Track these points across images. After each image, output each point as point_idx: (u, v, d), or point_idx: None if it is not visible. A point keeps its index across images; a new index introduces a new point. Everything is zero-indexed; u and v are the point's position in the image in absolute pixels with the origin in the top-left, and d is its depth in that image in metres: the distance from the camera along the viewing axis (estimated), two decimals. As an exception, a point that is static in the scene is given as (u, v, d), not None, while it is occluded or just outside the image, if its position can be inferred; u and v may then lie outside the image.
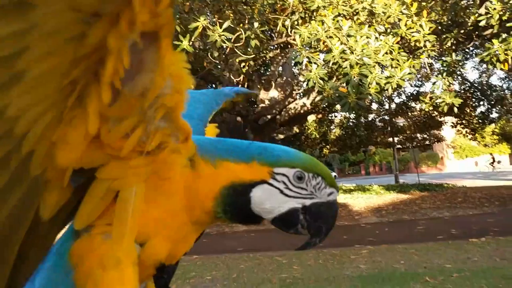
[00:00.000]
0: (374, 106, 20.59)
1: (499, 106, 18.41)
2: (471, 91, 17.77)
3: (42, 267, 0.72)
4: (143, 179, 0.69)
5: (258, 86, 12.35)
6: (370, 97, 7.70)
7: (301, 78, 8.01)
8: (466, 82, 18.07)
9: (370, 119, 21.44)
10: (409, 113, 21.12)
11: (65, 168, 0.66)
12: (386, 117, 21.39)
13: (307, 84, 7.24)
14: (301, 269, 6.33)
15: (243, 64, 8.99)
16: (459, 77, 16.55)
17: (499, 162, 32.49)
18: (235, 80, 10.38)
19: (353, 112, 8.36)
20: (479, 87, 17.81)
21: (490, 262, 5.81)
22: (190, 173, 0.70)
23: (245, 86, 11.74)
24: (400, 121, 23.75)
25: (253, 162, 0.68)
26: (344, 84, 7.11)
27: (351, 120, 20.21)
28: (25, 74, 0.58)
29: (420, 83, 18.70)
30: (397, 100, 20.63)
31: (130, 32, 0.59)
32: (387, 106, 20.93)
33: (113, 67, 0.60)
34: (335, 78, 7.63)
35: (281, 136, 16.77)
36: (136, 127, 0.66)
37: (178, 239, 0.72)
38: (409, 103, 19.50)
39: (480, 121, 18.98)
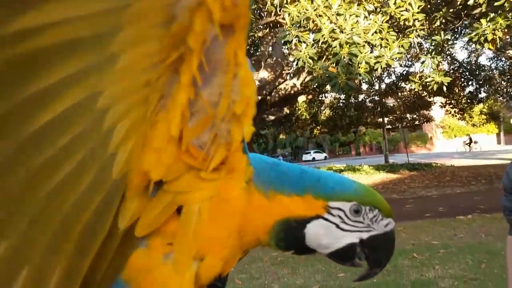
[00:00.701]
0: (364, 86, 20.60)
1: (487, 86, 18.52)
2: (460, 71, 17.82)
3: None
4: (209, 197, 0.65)
5: (247, 66, 12.27)
6: (359, 77, 7.70)
7: (291, 58, 7.94)
8: (455, 61, 18.10)
9: (360, 99, 21.46)
10: (399, 94, 21.17)
11: (147, 172, 0.62)
12: (376, 98, 21.42)
13: (296, 64, 7.20)
14: (291, 247, 6.42)
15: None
16: (448, 56, 16.56)
17: (475, 142, 33.18)
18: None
19: (343, 92, 8.36)
20: (468, 67, 17.87)
21: (475, 238, 5.95)
22: (245, 197, 0.67)
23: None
24: (390, 101, 23.81)
25: (307, 195, 0.65)
26: (334, 64, 7.09)
27: (341, 101, 20.21)
28: (118, 59, 0.55)
29: (409, 63, 18.69)
30: (387, 80, 20.66)
31: (210, 22, 0.55)
32: (377, 87, 20.95)
33: (196, 60, 0.57)
34: (325, 57, 7.59)
35: (272, 118, 16.74)
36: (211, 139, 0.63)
37: (230, 258, 0.71)
38: (399, 83, 19.53)
39: (468, 101, 19.10)
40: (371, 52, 7.43)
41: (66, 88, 0.54)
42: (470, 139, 33.12)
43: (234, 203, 0.67)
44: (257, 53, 13.58)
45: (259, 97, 12.94)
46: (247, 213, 0.65)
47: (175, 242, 0.66)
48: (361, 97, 21.43)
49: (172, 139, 0.61)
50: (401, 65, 18.46)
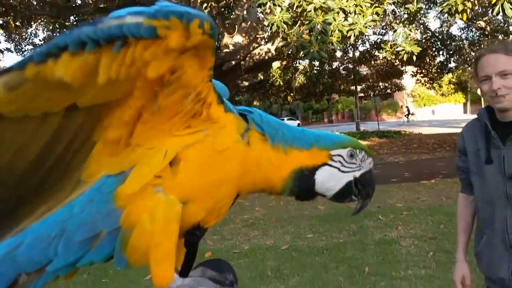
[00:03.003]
0: (339, 54, 20.62)
1: (457, 56, 18.91)
2: (432, 41, 18.07)
3: (77, 200, 0.75)
4: (189, 144, 0.74)
5: (221, 30, 11.99)
6: (332, 46, 7.71)
7: (265, 23, 7.83)
8: (428, 31, 18.32)
9: (334, 67, 21.54)
10: (372, 62, 21.35)
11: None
12: (350, 66, 21.55)
13: (270, 29, 7.11)
14: (263, 210, 6.58)
15: (204, 5, 8.63)
16: (421, 26, 16.72)
17: (413, 114, 34.55)
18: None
19: (316, 60, 8.38)
20: (440, 37, 18.12)
21: (437, 201, 6.27)
22: (243, 150, 0.77)
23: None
24: (363, 69, 24.02)
25: (313, 149, 0.79)
26: (308, 31, 7.04)
27: (315, 68, 20.23)
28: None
29: (383, 31, 18.76)
30: (361, 48, 20.73)
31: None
32: (351, 54, 21.02)
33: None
34: (299, 23, 7.53)
35: (246, 83, 16.60)
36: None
37: (215, 208, 0.78)
38: (372, 52, 19.66)
39: (438, 70, 19.50)
40: (345, 19, 7.41)
41: None
42: (408, 110, 34.51)
43: (228, 154, 0.76)
44: (231, 17, 13.30)
45: (233, 62, 12.77)
46: (261, 164, 0.75)
47: (162, 178, 0.73)
48: (335, 64, 21.50)
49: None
50: (375, 33, 18.54)
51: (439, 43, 18.24)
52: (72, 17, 11.65)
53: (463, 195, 1.86)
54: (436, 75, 20.21)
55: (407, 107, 38.27)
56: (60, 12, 9.97)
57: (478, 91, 1.65)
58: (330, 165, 0.78)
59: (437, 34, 18.34)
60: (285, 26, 6.93)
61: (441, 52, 18.82)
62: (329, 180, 0.78)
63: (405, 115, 34.66)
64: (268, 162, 0.74)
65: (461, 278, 1.79)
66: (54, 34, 11.79)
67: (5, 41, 16.34)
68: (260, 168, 0.76)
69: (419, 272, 3.70)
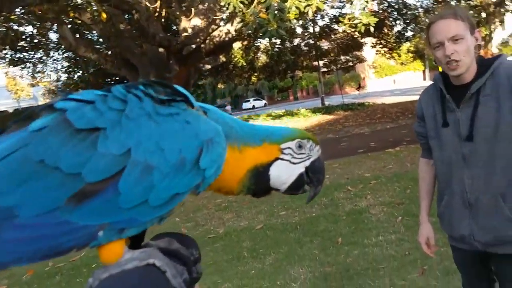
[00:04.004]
0: (299, 30, 20.60)
1: (414, 25, 19.29)
2: (389, 11, 18.32)
3: None
4: None
5: (178, 13, 11.69)
6: (291, 24, 7.67)
7: (222, 3, 7.66)
8: (384, 1, 18.54)
9: (295, 44, 21.53)
10: (332, 36, 21.48)
11: None
12: (311, 41, 21.61)
13: (227, 9, 6.98)
14: (235, 193, 6.58)
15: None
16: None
17: (363, 87, 35.85)
18: (151, 7, 9.69)
19: (275, 38, 8.33)
20: (396, 7, 18.39)
21: (402, 168, 6.47)
22: None
23: (163, 13, 11.03)
24: (324, 44, 24.16)
25: (265, 144, 0.78)
26: (265, 10, 6.96)
27: (276, 46, 20.16)
28: None
29: (342, 4, 18.84)
30: (320, 23, 20.77)
31: None
32: (311, 30, 21.04)
33: None
34: (255, 2, 7.42)
35: (208, 66, 16.37)
36: None
37: None
38: (332, 26, 19.76)
39: (396, 40, 19.86)
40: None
41: None
42: (359, 84, 35.73)
43: None
44: (187, -1, 12.98)
45: (193, 46, 12.54)
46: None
47: None
48: (296, 41, 21.49)
49: None
50: (333, 7, 18.58)
51: (395, 13, 18.52)
52: (17, 10, 11.04)
53: (423, 160, 1.91)
54: (394, 44, 20.57)
55: (358, 80, 39.76)
56: (3, 4, 9.41)
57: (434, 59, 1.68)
58: (282, 159, 0.78)
59: (393, 4, 18.59)
60: (241, 6, 6.82)
61: (398, 22, 19.13)
62: (283, 173, 0.78)
63: (356, 88, 35.59)
64: (226, 164, 0.72)
65: (425, 239, 1.86)
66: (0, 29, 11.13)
67: None
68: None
69: (390, 237, 3.83)
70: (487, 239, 1.62)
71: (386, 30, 19.22)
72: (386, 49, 21.14)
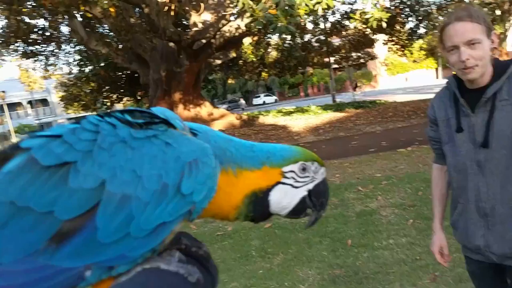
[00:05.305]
0: (310, 26, 20.45)
1: (426, 22, 19.03)
2: (401, 8, 18.09)
3: None
4: None
5: (187, 8, 11.66)
6: (301, 19, 7.61)
7: (232, -1, 7.62)
8: (396, -2, 18.31)
9: (306, 39, 21.38)
10: (344, 32, 21.29)
11: None
12: (322, 37, 21.44)
13: (236, 5, 6.94)
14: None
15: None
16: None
17: (360, 86, 35.55)
18: (161, 1, 9.67)
19: (284, 34, 8.26)
20: (408, 3, 18.15)
21: (414, 168, 6.36)
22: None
23: (174, 7, 10.99)
24: (336, 40, 23.96)
25: (265, 167, 0.73)
26: (274, 6, 6.89)
27: (287, 41, 20.03)
28: None
29: (353, 0, 18.66)
30: (331, 19, 20.62)
31: None
32: (322, 26, 20.88)
33: None
34: (265, -2, 7.36)
35: (218, 62, 16.35)
36: None
37: None
38: (343, 22, 19.57)
39: (409, 37, 19.61)
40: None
41: None
42: (356, 83, 35.46)
43: None
44: (199, -6, 12.93)
45: (203, 41, 12.51)
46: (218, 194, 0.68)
47: None
48: (307, 37, 21.35)
49: None
50: (344, 3, 18.40)
51: (408, 9, 18.27)
52: (28, 3, 11.11)
53: (436, 166, 1.85)
54: (406, 42, 20.33)
55: (355, 79, 39.47)
56: (15, -2, 9.48)
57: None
58: (284, 183, 0.73)
59: (405, 0, 18.35)
60: (250, 2, 6.76)
61: (410, 19, 18.88)
62: (284, 198, 0.73)
63: (353, 88, 35.40)
64: (219, 190, 0.66)
65: (439, 248, 1.80)
66: (12, 22, 11.23)
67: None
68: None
69: (400, 240, 3.76)
70: (503, 251, 1.56)
71: (398, 27, 18.99)
72: (398, 46, 20.90)
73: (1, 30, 16.18)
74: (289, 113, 18.50)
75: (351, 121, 15.17)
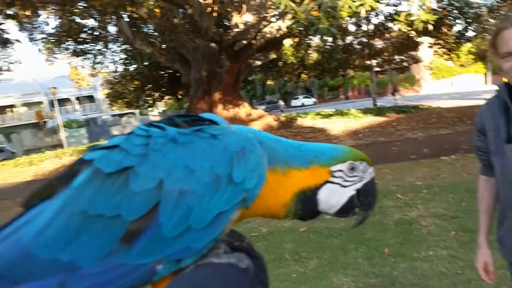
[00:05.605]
0: (352, 28, 20.11)
1: (476, 24, 18.21)
2: (449, 9, 17.41)
3: None
4: None
5: (229, 9, 11.78)
6: (341, 21, 7.49)
7: (274, 0, 7.60)
8: (444, -1, 17.65)
9: (348, 41, 21.04)
10: (387, 35, 20.77)
11: None
12: (364, 39, 21.01)
13: (277, 7, 6.94)
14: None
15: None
16: (437, -6, 16.12)
17: (398, 91, 34.14)
18: (203, 3, 9.82)
19: (326, 36, 8.18)
20: (457, 5, 17.44)
21: (457, 177, 6.11)
22: None
23: (216, 8, 11.15)
24: (378, 43, 23.42)
25: (313, 166, 0.74)
26: (317, 7, 6.83)
27: (328, 43, 19.80)
28: None
29: (398, 2, 18.16)
30: (374, 21, 20.16)
31: None
32: (364, 28, 20.46)
33: None
34: (307, 0, 7.30)
35: (258, 63, 16.42)
36: None
37: None
38: (386, 24, 19.09)
39: (456, 40, 18.85)
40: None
41: None
42: (395, 88, 34.14)
43: None
44: (241, -5, 13.04)
45: (244, 41, 12.60)
46: (261, 192, 0.69)
47: None
48: (348, 39, 21.00)
49: None
50: (388, 5, 17.95)
51: (456, 11, 17.55)
52: (80, 4, 11.63)
53: (483, 177, 1.76)
54: (454, 45, 19.53)
55: (394, 84, 38.26)
56: (67, -1, 9.95)
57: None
58: (332, 182, 0.74)
59: (453, 2, 17.63)
60: (292, 4, 6.74)
61: (458, 21, 18.13)
62: (332, 197, 0.74)
63: (391, 93, 34.31)
64: (268, 189, 0.68)
65: (483, 265, 1.71)
66: (64, 22, 11.79)
67: (19, 31, 16.57)
68: (260, 196, 0.69)
69: (441, 252, 3.62)
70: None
71: (445, 30, 18.29)
72: (444, 50, 20.13)
73: (54, 30, 17.11)
74: (328, 115, 18.27)
75: (392, 126, 14.77)
